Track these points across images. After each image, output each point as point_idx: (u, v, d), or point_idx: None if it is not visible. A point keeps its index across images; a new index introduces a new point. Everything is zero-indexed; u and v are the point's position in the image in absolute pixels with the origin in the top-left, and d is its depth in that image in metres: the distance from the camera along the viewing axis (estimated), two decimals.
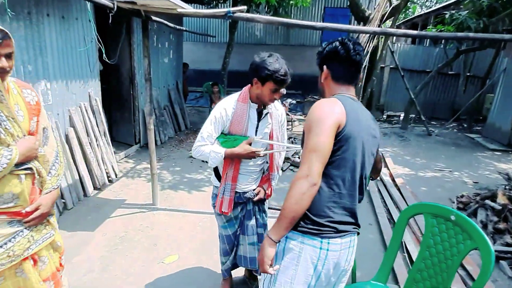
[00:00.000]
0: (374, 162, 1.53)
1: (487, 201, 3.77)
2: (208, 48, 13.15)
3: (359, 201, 1.47)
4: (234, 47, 8.34)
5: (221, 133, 2.07)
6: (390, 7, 8.06)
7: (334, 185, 1.35)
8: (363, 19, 8.42)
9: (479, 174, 5.67)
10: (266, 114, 2.09)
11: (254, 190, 2.23)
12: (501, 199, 3.66)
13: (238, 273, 2.68)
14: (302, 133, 1.44)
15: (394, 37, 10.57)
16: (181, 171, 5.08)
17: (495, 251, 2.79)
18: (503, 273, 2.93)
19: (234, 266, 2.46)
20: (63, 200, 3.64)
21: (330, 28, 3.25)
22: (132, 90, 5.65)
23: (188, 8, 3.16)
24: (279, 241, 1.35)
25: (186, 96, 9.07)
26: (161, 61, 6.68)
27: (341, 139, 1.31)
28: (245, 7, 3.15)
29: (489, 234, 3.36)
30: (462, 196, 4.32)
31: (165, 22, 4.21)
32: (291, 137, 7.23)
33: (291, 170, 5.41)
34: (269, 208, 3.92)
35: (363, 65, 8.02)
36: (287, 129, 8.08)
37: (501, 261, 3.00)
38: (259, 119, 2.08)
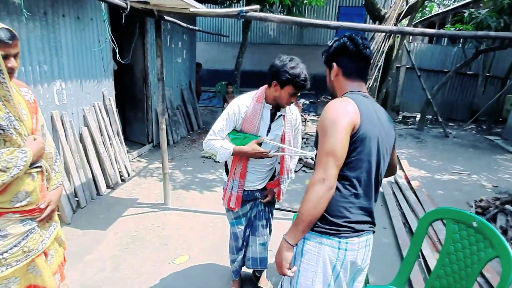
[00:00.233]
0: (390, 159, 1.51)
1: (507, 206, 3.63)
2: (221, 48, 13.18)
3: (375, 200, 1.47)
4: (248, 47, 8.32)
5: (233, 129, 2.09)
6: (406, 5, 7.89)
7: (350, 186, 1.35)
8: (379, 18, 8.27)
9: (499, 178, 5.48)
10: (280, 116, 2.09)
11: (261, 190, 2.24)
12: None
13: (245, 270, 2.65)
14: (315, 134, 1.41)
15: (411, 36, 10.35)
16: (193, 171, 5.08)
17: None
18: None
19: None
20: (76, 199, 3.68)
21: (345, 27, 3.18)
22: (146, 90, 5.68)
23: (201, 8, 3.15)
24: (296, 244, 1.34)
25: (199, 96, 9.10)
26: (174, 61, 6.71)
27: (356, 140, 1.30)
28: (258, 7, 3.11)
29: (509, 240, 3.23)
30: (481, 201, 4.17)
31: (178, 22, 4.22)
32: (304, 138, 7.16)
33: (304, 171, 5.35)
34: (280, 209, 3.90)
35: (379, 65, 7.88)
36: None
37: None
38: (272, 120, 2.08)
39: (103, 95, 4.37)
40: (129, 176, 4.65)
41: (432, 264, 2.81)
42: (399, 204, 4.15)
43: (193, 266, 2.83)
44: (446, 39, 12.63)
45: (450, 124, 9.86)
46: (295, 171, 5.23)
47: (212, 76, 12.27)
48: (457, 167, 5.94)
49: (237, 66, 8.13)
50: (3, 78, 1.34)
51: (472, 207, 4.19)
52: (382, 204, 4.20)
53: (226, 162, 2.24)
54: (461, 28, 8.28)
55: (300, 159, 5.61)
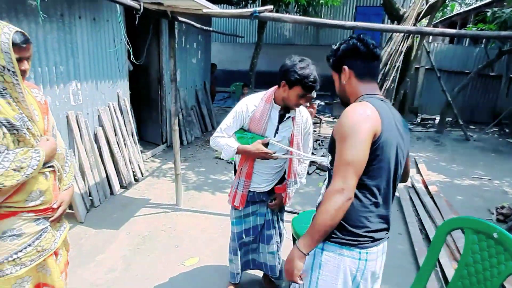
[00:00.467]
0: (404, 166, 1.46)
1: None
2: (236, 48, 13.19)
3: None
4: (263, 47, 8.28)
5: (241, 128, 2.08)
6: (426, 5, 7.69)
7: (371, 195, 1.31)
8: (397, 18, 8.09)
9: None
10: (288, 117, 2.05)
11: (269, 193, 2.21)
12: None
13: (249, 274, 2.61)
14: (330, 138, 1.36)
15: (431, 37, 10.09)
16: (206, 172, 5.08)
17: None
18: None
19: (244, 267, 2.44)
20: (90, 198, 3.73)
21: (360, 27, 3.10)
22: (160, 91, 5.73)
23: (214, 8, 3.13)
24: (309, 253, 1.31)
25: (214, 97, 9.13)
26: (189, 61, 6.74)
27: (377, 148, 1.25)
28: (271, 7, 3.07)
29: None
30: (502, 207, 4.00)
31: (192, 22, 4.22)
32: (318, 140, 7.07)
33: (317, 173, 5.27)
34: (292, 212, 3.83)
35: (397, 66, 7.71)
36: (314, 131, 7.92)
37: None
38: (280, 122, 2.05)
39: (118, 96, 4.42)
40: (142, 176, 4.69)
41: (450, 273, 2.70)
42: (416, 210, 4.02)
43: (203, 269, 2.81)
44: (468, 39, 12.25)
45: (471, 127, 9.54)
46: (309, 173, 5.15)
47: (227, 76, 12.28)
48: (478, 172, 5.72)
49: (252, 67, 8.10)
50: (17, 79, 1.37)
51: (493, 214, 4.02)
52: (397, 209, 4.08)
53: (235, 161, 2.24)
54: (484, 28, 8.00)
55: (313, 161, 5.53)
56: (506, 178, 5.43)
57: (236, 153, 2.02)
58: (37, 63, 3.09)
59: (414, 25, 7.55)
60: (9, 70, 1.34)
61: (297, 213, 3.84)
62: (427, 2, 7.77)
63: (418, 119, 9.92)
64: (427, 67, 10.07)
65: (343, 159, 1.21)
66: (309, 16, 8.21)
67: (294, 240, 2.64)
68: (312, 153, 5.96)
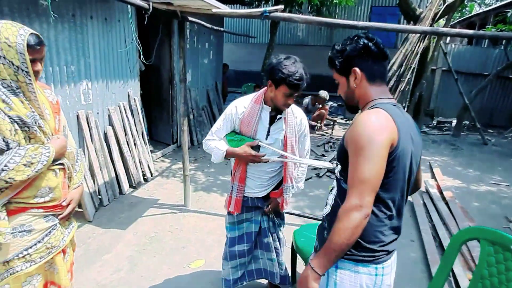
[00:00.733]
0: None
1: None
2: (249, 49, 13.15)
3: None
4: (275, 48, 8.23)
5: (233, 131, 2.02)
6: (444, 5, 7.49)
7: (386, 208, 1.24)
8: (414, 18, 7.90)
9: None
10: (279, 118, 1.97)
11: (265, 199, 2.13)
12: None
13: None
14: (340, 145, 1.28)
15: (448, 38, 9.83)
16: (215, 173, 5.06)
17: None
18: None
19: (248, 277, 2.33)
20: (99, 197, 3.75)
21: (374, 27, 3.02)
22: (171, 91, 5.74)
23: (224, 8, 3.10)
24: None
25: (225, 97, 9.12)
26: (200, 61, 6.74)
27: (394, 159, 1.17)
28: (281, 7, 3.02)
29: None
30: None
31: (202, 22, 4.20)
32: (330, 142, 6.96)
33: (328, 176, 5.17)
34: (301, 216, 3.77)
35: (413, 67, 7.52)
36: (326, 133, 7.82)
37: None
38: (271, 123, 1.96)
39: (129, 95, 4.44)
40: (152, 176, 4.70)
41: (463, 283, 2.59)
42: (430, 216, 3.90)
43: (208, 272, 2.78)
44: (486, 40, 11.90)
45: (489, 130, 9.25)
46: (319, 176, 5.07)
47: (239, 77, 12.26)
48: (496, 177, 5.52)
49: (264, 67, 8.05)
50: (30, 79, 1.43)
51: (511, 222, 3.86)
52: (410, 214, 3.96)
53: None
54: (504, 28, 7.74)
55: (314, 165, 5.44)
56: None
57: (225, 157, 1.96)
58: (48, 62, 3.11)
59: (431, 25, 7.35)
60: (23, 70, 1.39)
61: (307, 217, 3.79)
62: (444, 2, 7.56)
63: (434, 122, 9.67)
64: (443, 68, 9.82)
65: (359, 174, 1.13)
66: (323, 16, 8.11)
67: (292, 250, 2.55)
68: (322, 155, 5.88)
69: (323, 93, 7.76)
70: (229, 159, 2.14)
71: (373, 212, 1.20)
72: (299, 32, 13.10)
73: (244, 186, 2.07)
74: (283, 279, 2.30)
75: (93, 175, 3.70)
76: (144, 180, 4.52)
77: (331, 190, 1.38)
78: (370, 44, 1.25)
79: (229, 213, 2.20)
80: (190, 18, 3.62)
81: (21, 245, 1.50)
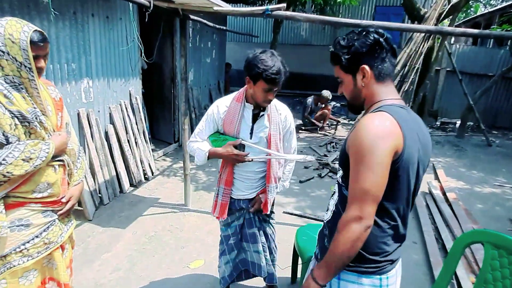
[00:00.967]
0: None
1: None
2: (251, 48, 12.95)
3: None
4: (278, 47, 8.20)
5: (217, 131, 1.96)
6: (448, 5, 7.41)
7: (390, 219, 1.18)
8: (418, 18, 7.83)
9: None
10: (262, 116, 1.91)
11: (250, 200, 2.06)
12: None
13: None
14: (342, 150, 1.20)
15: (453, 38, 9.75)
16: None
17: None
18: None
19: (237, 277, 2.27)
20: (99, 195, 3.73)
21: (377, 26, 2.97)
22: (173, 89, 5.72)
23: (226, 7, 3.07)
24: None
25: None
26: (203, 60, 6.72)
27: (398, 168, 1.10)
28: (284, 5, 2.98)
29: None
30: None
31: (203, 21, 4.18)
32: (332, 142, 6.92)
33: (330, 176, 5.13)
34: (302, 216, 3.73)
35: (417, 67, 7.46)
36: (329, 133, 7.77)
37: None
38: (254, 121, 1.91)
39: (130, 94, 4.42)
40: (152, 175, 4.68)
41: (466, 286, 2.55)
42: (433, 218, 3.85)
43: (208, 272, 2.75)
44: (492, 40, 11.80)
45: (493, 132, 9.17)
46: (321, 176, 5.03)
47: (242, 76, 12.12)
48: (500, 179, 5.45)
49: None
50: (32, 76, 1.44)
51: None
52: (413, 216, 3.91)
53: None
54: (509, 29, 7.66)
55: (326, 164, 5.40)
56: None
57: (208, 157, 1.90)
58: (49, 60, 3.07)
59: (435, 25, 7.29)
60: (25, 66, 1.41)
61: (308, 218, 3.75)
62: (449, 2, 7.48)
63: (438, 123, 9.60)
64: (448, 69, 9.75)
65: (360, 185, 1.07)
66: (326, 15, 8.07)
67: (294, 250, 2.52)
68: (324, 156, 5.83)
69: (326, 93, 7.71)
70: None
71: (376, 223, 1.15)
72: (302, 31, 13.04)
73: (230, 189, 2.00)
74: (270, 277, 2.20)
75: (93, 174, 3.68)
76: (145, 179, 4.50)
77: (333, 195, 1.33)
78: (381, 39, 1.16)
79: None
80: (192, 17, 3.59)
81: (19, 239, 1.50)
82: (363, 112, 1.29)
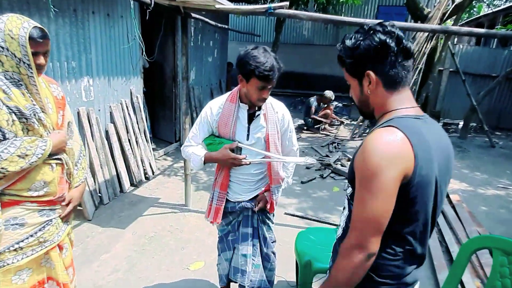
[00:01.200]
0: None
1: None
2: None
3: None
4: (280, 47, 8.15)
5: (212, 134, 1.88)
6: (452, 5, 7.35)
7: (404, 243, 1.06)
8: (421, 18, 7.77)
9: None
10: (258, 115, 1.82)
11: (251, 200, 1.96)
12: None
13: None
14: (350, 165, 1.10)
15: (456, 38, 9.68)
16: None
17: None
18: None
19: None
20: (99, 195, 3.70)
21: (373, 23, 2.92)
22: (175, 88, 5.68)
23: (228, 5, 3.02)
24: None
25: None
26: (205, 60, 6.68)
27: (409, 191, 0.98)
28: (287, 3, 2.94)
29: None
30: None
31: (205, 19, 4.14)
32: (334, 142, 6.87)
33: (332, 177, 5.08)
34: (304, 217, 3.69)
35: (420, 68, 7.40)
36: (331, 133, 7.72)
37: None
38: (250, 122, 1.82)
39: (131, 93, 4.39)
40: (153, 174, 4.64)
41: None
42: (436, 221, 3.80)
43: (208, 274, 2.71)
44: (495, 41, 11.72)
45: (496, 133, 9.11)
46: (323, 177, 4.99)
47: None
48: (504, 181, 5.39)
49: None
50: (31, 72, 1.42)
51: None
52: None
53: None
54: None
55: (328, 164, 5.36)
56: None
57: (204, 162, 1.81)
58: (49, 58, 3.06)
59: (439, 25, 7.23)
60: (24, 62, 1.39)
61: (310, 219, 3.71)
62: (453, 2, 7.42)
63: (440, 124, 9.54)
64: (451, 69, 9.68)
65: (362, 212, 0.98)
66: (329, 15, 8.01)
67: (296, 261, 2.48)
68: (326, 156, 5.79)
69: (329, 93, 7.67)
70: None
71: (386, 247, 1.04)
72: (304, 31, 12.98)
73: (225, 193, 1.92)
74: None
75: (93, 173, 3.65)
76: (145, 179, 4.46)
77: (343, 210, 1.23)
78: (388, 40, 1.00)
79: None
80: (194, 15, 3.55)
81: (13, 238, 1.48)
82: (376, 121, 1.16)
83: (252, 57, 1.62)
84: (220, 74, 7.63)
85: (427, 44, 7.33)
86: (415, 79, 7.48)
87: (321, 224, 3.59)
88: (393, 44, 1.00)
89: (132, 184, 4.24)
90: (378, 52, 1.01)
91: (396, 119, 1.02)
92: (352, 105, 9.93)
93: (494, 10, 13.36)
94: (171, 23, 5.22)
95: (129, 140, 4.21)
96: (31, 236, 1.53)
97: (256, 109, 1.83)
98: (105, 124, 3.94)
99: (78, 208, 3.39)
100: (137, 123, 4.45)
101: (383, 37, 1.00)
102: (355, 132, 7.52)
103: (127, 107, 4.26)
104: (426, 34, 6.95)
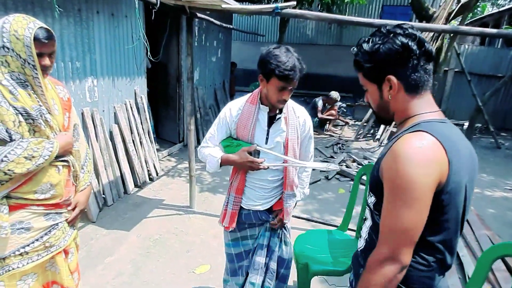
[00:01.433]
0: None
1: None
2: (257, 47, 12.80)
3: None
4: None
5: (230, 136, 1.83)
6: (458, 4, 7.28)
7: (434, 252, 1.02)
8: (426, 18, 7.70)
9: None
10: (279, 118, 1.75)
11: (268, 210, 1.87)
12: None
13: None
14: (373, 174, 1.06)
15: (459, 38, 9.60)
16: (221, 173, 4.95)
17: None
18: None
19: None
20: (103, 196, 3.66)
21: (392, 25, 2.87)
22: (178, 89, 5.64)
23: (234, 4, 2.98)
24: None
25: (233, 96, 9.01)
26: (208, 60, 6.64)
27: (443, 199, 0.95)
28: (294, 3, 2.89)
29: None
30: None
31: (211, 19, 4.10)
32: (339, 143, 6.82)
33: (337, 179, 5.04)
34: (309, 220, 3.65)
35: None
36: (335, 133, 7.67)
37: None
38: (270, 125, 1.76)
39: (135, 93, 4.35)
40: (157, 175, 4.61)
41: None
42: None
43: (214, 278, 2.67)
44: (500, 41, 11.63)
45: (502, 134, 9.02)
46: (328, 179, 4.94)
47: (247, 75, 12.14)
48: (511, 183, 5.34)
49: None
50: (36, 73, 1.41)
51: None
52: None
53: None
54: None
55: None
56: None
57: (220, 164, 1.75)
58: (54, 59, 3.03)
59: (444, 25, 7.16)
60: (29, 63, 1.38)
61: (315, 221, 3.66)
62: (459, 2, 7.35)
63: None
64: (456, 69, 9.61)
65: (395, 223, 0.93)
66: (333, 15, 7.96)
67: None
68: (331, 157, 5.74)
69: (335, 94, 7.62)
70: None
71: (418, 258, 1.01)
72: (308, 31, 12.93)
73: (241, 197, 1.84)
74: None
75: (97, 174, 3.61)
76: (149, 180, 4.43)
77: (364, 221, 1.18)
78: (411, 43, 0.96)
79: (230, 231, 1.92)
80: (199, 15, 3.51)
81: (18, 242, 1.46)
82: (394, 123, 1.13)
83: (273, 56, 1.57)
84: (224, 74, 7.59)
85: (433, 44, 7.26)
86: None
87: (326, 227, 3.55)
88: (415, 47, 0.97)
89: (136, 185, 4.20)
90: (400, 55, 0.97)
91: (423, 123, 0.98)
92: (356, 106, 9.87)
93: (500, 9, 13.26)
94: (175, 23, 5.19)
95: (133, 141, 4.18)
96: (37, 240, 1.51)
97: (277, 112, 1.76)
98: (109, 124, 3.91)
99: None
100: (141, 124, 4.41)
101: (404, 40, 0.97)
102: (359, 133, 7.46)
103: (131, 107, 4.23)
104: (431, 34, 6.89)
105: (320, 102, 7.69)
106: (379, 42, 1.00)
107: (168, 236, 3.23)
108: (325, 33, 12.80)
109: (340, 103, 9.27)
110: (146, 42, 3.73)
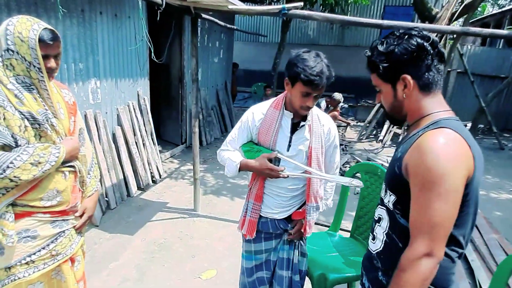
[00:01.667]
0: None
1: None
2: (259, 48, 12.97)
3: None
4: (286, 47, 8.04)
5: (250, 141, 1.77)
6: (461, 4, 7.24)
7: (458, 247, 1.03)
8: (429, 18, 7.67)
9: None
10: (303, 126, 1.68)
11: (287, 219, 1.80)
12: None
13: None
14: (391, 171, 1.06)
15: (461, 38, 9.56)
16: (224, 175, 4.86)
17: None
18: None
19: None
20: (106, 199, 3.62)
21: (399, 26, 2.83)
22: (181, 90, 5.60)
23: (240, 5, 2.94)
24: None
25: (235, 97, 8.98)
26: (211, 60, 6.59)
27: (468, 193, 0.97)
28: (301, 4, 2.85)
29: None
30: None
31: (215, 20, 4.05)
32: (342, 144, 6.78)
33: None
34: (315, 223, 3.59)
35: None
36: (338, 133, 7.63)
37: None
38: (293, 132, 1.68)
39: (138, 95, 4.31)
40: (160, 177, 4.56)
41: None
42: None
43: (220, 284, 2.63)
44: (502, 41, 11.61)
45: (505, 135, 8.99)
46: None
47: (249, 76, 12.11)
48: None
49: (275, 67, 7.89)
50: (42, 76, 1.37)
51: None
52: None
53: None
54: None
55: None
56: None
57: (239, 169, 1.69)
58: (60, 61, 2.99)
59: (447, 25, 7.11)
60: (34, 66, 1.35)
61: (322, 225, 3.62)
62: (462, 2, 7.31)
63: None
64: (459, 70, 9.57)
65: (430, 217, 0.93)
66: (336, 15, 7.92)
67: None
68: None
69: (338, 96, 7.58)
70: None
71: (446, 254, 0.99)
72: (310, 31, 12.89)
73: (260, 205, 1.78)
74: None
75: (100, 177, 3.57)
76: (152, 182, 4.39)
77: (378, 221, 1.16)
78: (426, 44, 1.00)
79: (245, 240, 1.88)
80: (203, 15, 3.46)
81: (24, 251, 1.43)
82: (407, 123, 1.14)
83: (301, 59, 1.50)
84: (225, 75, 7.54)
85: None
86: None
87: (319, 227, 3.49)
88: (429, 48, 1.02)
89: (139, 188, 4.16)
90: (416, 55, 1.02)
91: (443, 120, 1.01)
92: (358, 106, 9.83)
93: (501, 10, 13.23)
94: (178, 24, 5.14)
95: (136, 143, 4.13)
96: (43, 248, 1.47)
97: (301, 119, 1.70)
98: (112, 126, 3.87)
99: None
100: (144, 126, 4.37)
101: (420, 40, 1.02)
102: (362, 133, 7.43)
103: (134, 109, 4.18)
104: (434, 35, 6.85)
105: (323, 103, 7.64)
106: (394, 43, 1.04)
107: (173, 240, 3.18)
108: (327, 33, 12.76)
109: (341, 103, 9.25)
110: (150, 43, 3.68)
